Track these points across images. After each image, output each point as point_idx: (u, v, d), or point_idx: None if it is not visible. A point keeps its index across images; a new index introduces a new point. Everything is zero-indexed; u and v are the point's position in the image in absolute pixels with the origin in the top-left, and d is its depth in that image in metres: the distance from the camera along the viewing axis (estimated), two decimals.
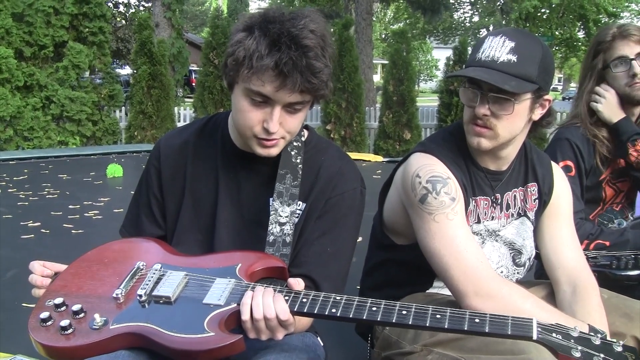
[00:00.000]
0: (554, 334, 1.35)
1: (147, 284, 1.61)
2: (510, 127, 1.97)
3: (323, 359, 1.89)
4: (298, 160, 1.88)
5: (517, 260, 2.18)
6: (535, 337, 1.34)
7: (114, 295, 1.59)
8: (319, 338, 1.96)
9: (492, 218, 2.14)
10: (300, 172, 1.87)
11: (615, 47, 2.68)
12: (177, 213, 1.93)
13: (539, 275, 2.53)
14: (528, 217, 2.22)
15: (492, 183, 2.13)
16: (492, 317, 1.39)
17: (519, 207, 2.20)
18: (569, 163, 2.71)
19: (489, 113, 1.91)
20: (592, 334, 1.38)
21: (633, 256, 2.57)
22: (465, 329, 1.38)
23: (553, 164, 2.32)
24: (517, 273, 2.20)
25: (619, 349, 1.37)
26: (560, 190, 2.27)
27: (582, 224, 2.61)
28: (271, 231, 1.81)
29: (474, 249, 1.91)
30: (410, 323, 1.42)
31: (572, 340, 1.35)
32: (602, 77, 2.75)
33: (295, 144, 1.90)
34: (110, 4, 28.51)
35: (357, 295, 2.36)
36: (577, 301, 2.07)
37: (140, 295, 1.57)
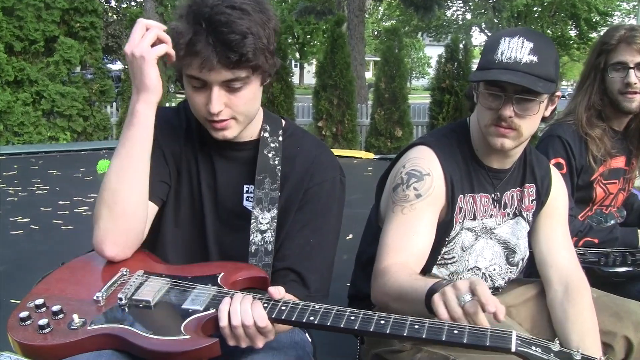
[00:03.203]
0: (533, 347, 1.34)
1: (129, 289, 1.61)
2: (532, 126, 1.99)
3: (312, 355, 1.88)
4: (276, 162, 1.87)
5: (510, 260, 2.20)
6: (514, 349, 1.32)
7: (95, 298, 1.58)
8: (307, 334, 1.95)
9: (491, 216, 2.16)
10: (279, 174, 1.86)
11: (618, 51, 2.66)
12: (175, 193, 1.90)
13: (528, 274, 2.54)
14: (524, 218, 2.23)
15: (493, 181, 2.15)
16: (470, 328, 1.37)
17: (515, 207, 2.21)
18: (561, 160, 2.70)
19: (514, 114, 1.91)
20: (572, 350, 1.36)
21: (620, 253, 2.58)
22: (443, 339, 1.36)
23: (551, 165, 2.34)
24: (510, 272, 2.21)
25: None
26: (557, 192, 2.28)
27: (571, 221, 2.60)
28: (253, 240, 1.81)
29: (410, 242, 1.95)
30: (387, 332, 1.41)
31: (552, 354, 1.34)
32: (603, 77, 2.73)
33: (272, 145, 1.89)
34: None
35: (349, 290, 2.38)
36: (569, 300, 2.09)
37: (121, 299, 1.56)
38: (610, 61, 2.68)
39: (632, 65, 2.62)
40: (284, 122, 1.98)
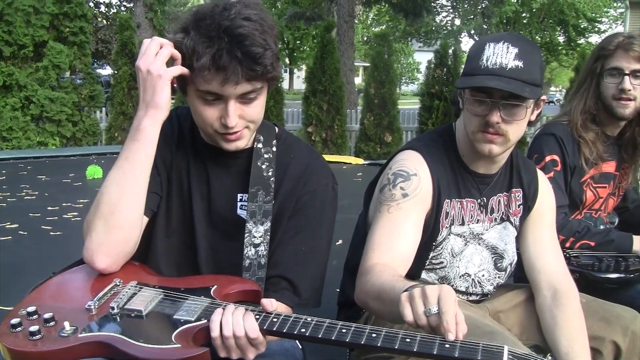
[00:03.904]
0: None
1: (121, 298, 1.61)
2: (519, 131, 1.98)
3: None
4: (270, 174, 1.87)
5: (498, 265, 2.19)
6: (505, 358, 1.32)
7: (87, 306, 1.58)
8: (297, 341, 1.94)
9: (478, 221, 2.16)
10: (273, 186, 1.86)
11: (615, 56, 2.68)
12: (166, 203, 1.90)
13: (517, 279, 2.55)
14: (511, 222, 2.23)
15: (480, 186, 2.15)
16: (462, 343, 1.37)
17: (502, 212, 2.21)
18: (555, 157, 2.71)
19: (501, 120, 1.91)
20: None
21: (614, 259, 2.58)
22: (435, 353, 1.36)
23: (538, 170, 2.34)
24: (499, 277, 2.21)
25: None
26: (544, 197, 2.28)
27: (567, 221, 2.62)
28: (246, 254, 1.81)
29: (394, 243, 1.94)
30: (379, 345, 1.41)
31: None
32: (599, 82, 2.74)
33: (266, 155, 1.89)
34: (91, 4, 28.39)
35: (339, 297, 2.38)
36: (557, 306, 2.09)
37: (113, 308, 1.56)
38: (607, 66, 2.69)
39: (627, 72, 2.64)
40: (277, 129, 1.98)
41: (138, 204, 1.73)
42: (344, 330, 1.45)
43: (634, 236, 2.69)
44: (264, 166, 1.87)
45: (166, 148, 1.87)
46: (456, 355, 1.35)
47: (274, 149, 1.92)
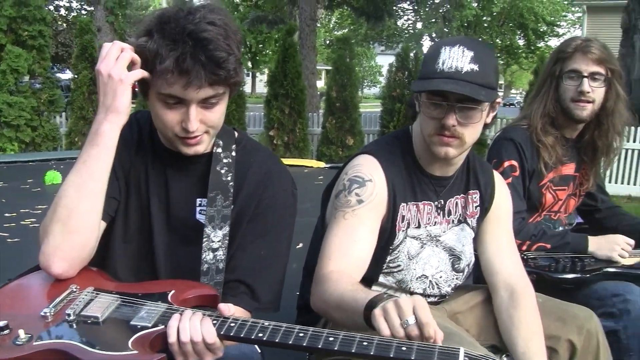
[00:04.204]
0: None
1: (77, 305, 1.59)
2: (475, 134, 2.00)
3: None
4: (229, 178, 1.87)
5: (456, 266, 2.22)
6: (461, 358, 1.34)
7: (42, 313, 1.57)
8: (256, 346, 1.92)
9: (435, 223, 2.17)
10: (232, 191, 1.86)
11: (573, 59, 2.70)
12: (124, 208, 1.89)
13: (476, 279, 2.58)
14: (468, 224, 2.25)
15: (436, 189, 2.16)
16: (419, 345, 1.38)
17: (460, 214, 2.23)
18: (514, 163, 2.73)
19: (456, 123, 1.93)
20: None
21: (570, 260, 2.63)
22: (391, 356, 1.37)
23: (494, 171, 2.36)
24: (456, 278, 2.23)
25: None
26: (500, 198, 2.31)
27: (524, 225, 2.65)
28: (204, 259, 1.81)
29: (350, 250, 1.96)
30: (336, 349, 1.42)
31: None
32: (558, 85, 2.76)
33: (225, 160, 1.89)
34: (50, 7, 28.00)
35: (298, 300, 2.38)
36: (515, 306, 2.13)
37: (69, 314, 1.55)
38: (566, 69, 2.72)
39: (586, 74, 2.66)
40: (236, 134, 1.98)
41: (96, 208, 1.72)
42: (301, 335, 1.46)
43: (589, 237, 2.73)
44: (222, 171, 1.87)
45: (125, 152, 1.86)
46: (413, 358, 1.36)
47: (233, 153, 1.92)
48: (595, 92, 2.69)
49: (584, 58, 2.68)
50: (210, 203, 1.83)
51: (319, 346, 1.43)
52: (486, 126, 2.08)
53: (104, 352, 1.45)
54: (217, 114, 1.75)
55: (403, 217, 2.10)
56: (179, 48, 1.58)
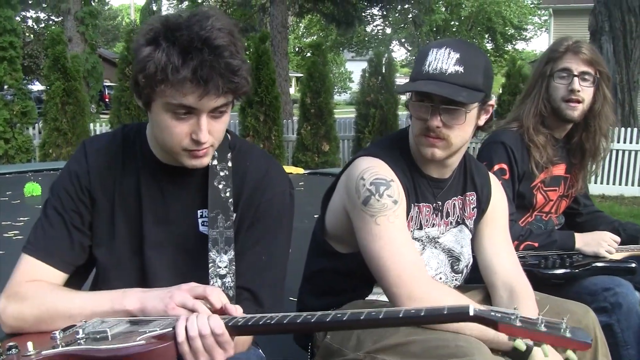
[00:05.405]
0: (492, 312, 1.36)
1: (87, 326, 1.56)
2: (462, 136, 2.01)
3: None
4: (227, 194, 1.79)
5: (455, 267, 2.23)
6: (472, 312, 1.34)
7: (52, 336, 1.53)
8: (261, 350, 1.92)
9: (433, 225, 2.18)
10: (232, 209, 1.78)
11: (564, 58, 2.74)
12: (109, 232, 1.80)
13: (472, 281, 2.61)
14: (466, 225, 2.27)
15: (434, 190, 2.17)
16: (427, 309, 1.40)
17: (458, 216, 2.24)
18: (504, 166, 2.74)
19: (441, 124, 1.94)
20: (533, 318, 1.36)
21: (559, 256, 2.66)
22: (401, 316, 1.39)
23: (490, 173, 2.38)
24: (456, 280, 2.24)
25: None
26: (497, 199, 2.33)
27: (511, 226, 2.61)
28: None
29: (411, 253, 1.95)
30: (345, 319, 1.42)
31: (513, 316, 1.34)
32: (549, 84, 2.79)
33: (222, 173, 1.81)
34: (17, 19, 27.73)
35: (296, 303, 2.36)
36: (514, 305, 2.13)
37: (77, 332, 1.52)
38: (556, 68, 2.76)
39: (576, 73, 2.71)
40: (229, 137, 1.89)
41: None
42: (309, 317, 1.45)
43: (575, 234, 2.79)
44: (220, 186, 1.79)
45: (108, 176, 1.81)
46: (422, 314, 1.38)
47: (229, 163, 1.84)
48: (585, 91, 2.75)
49: (575, 58, 2.73)
50: (211, 224, 1.75)
51: (327, 320, 1.43)
52: (482, 129, 2.14)
53: (110, 346, 1.45)
54: (223, 125, 1.69)
55: (412, 218, 2.11)
56: (194, 57, 1.51)
